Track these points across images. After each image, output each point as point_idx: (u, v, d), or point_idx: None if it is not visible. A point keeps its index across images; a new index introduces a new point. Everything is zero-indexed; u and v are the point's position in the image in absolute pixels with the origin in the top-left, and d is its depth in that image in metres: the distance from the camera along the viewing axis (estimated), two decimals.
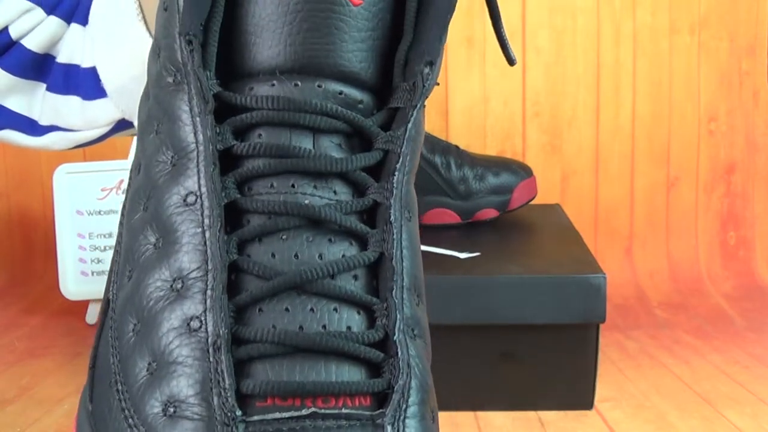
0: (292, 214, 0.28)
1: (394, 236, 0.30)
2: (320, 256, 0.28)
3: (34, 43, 0.53)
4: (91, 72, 0.52)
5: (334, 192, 0.30)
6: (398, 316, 0.28)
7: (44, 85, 0.55)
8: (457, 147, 0.95)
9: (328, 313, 0.28)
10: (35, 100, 0.56)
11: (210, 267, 0.27)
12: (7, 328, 1.00)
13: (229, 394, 0.25)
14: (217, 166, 0.29)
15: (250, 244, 0.28)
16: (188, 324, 0.27)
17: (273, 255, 0.28)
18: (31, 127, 0.57)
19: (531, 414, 0.70)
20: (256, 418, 0.25)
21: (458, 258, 0.75)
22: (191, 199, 0.28)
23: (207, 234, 0.27)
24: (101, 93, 0.52)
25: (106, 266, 0.99)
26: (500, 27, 0.34)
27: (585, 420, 0.69)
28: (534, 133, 1.17)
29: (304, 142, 0.30)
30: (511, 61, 0.36)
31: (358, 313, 0.28)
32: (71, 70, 0.54)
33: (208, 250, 0.27)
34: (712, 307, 1.06)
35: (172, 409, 0.26)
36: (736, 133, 1.19)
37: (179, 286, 0.27)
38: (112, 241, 0.99)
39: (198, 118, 0.29)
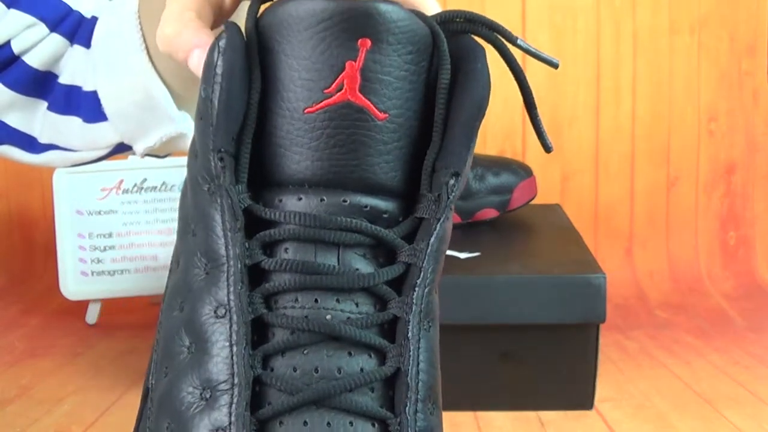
0: (314, 331, 0.30)
1: (411, 352, 0.31)
2: (339, 370, 0.30)
3: (35, 59, 0.53)
4: (92, 95, 0.52)
5: (356, 305, 0.31)
6: None
7: (45, 104, 0.55)
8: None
9: (343, 426, 0.29)
10: (35, 118, 0.56)
11: (236, 381, 0.29)
12: (7, 328, 1.00)
13: None
14: (245, 283, 0.30)
15: (274, 357, 0.30)
16: None
17: (295, 369, 0.29)
18: (30, 144, 0.57)
19: (531, 414, 0.70)
20: None
21: (458, 258, 0.75)
22: (221, 311, 0.30)
23: (234, 349, 0.29)
24: (102, 116, 0.52)
25: (106, 266, 0.99)
26: (536, 115, 0.35)
27: (585, 420, 0.69)
28: (534, 133, 1.17)
29: (329, 257, 0.31)
30: (547, 149, 0.37)
31: (373, 425, 0.30)
32: (73, 91, 0.54)
33: (235, 365, 0.29)
34: (712, 307, 1.06)
35: None
36: (736, 133, 1.19)
37: (208, 395, 0.29)
38: (112, 241, 0.99)
39: (229, 233, 0.30)
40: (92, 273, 0.99)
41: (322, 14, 0.29)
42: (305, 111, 0.30)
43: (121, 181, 0.98)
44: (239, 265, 0.30)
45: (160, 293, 1.04)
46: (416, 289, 0.31)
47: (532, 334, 0.70)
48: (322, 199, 0.31)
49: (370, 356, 0.30)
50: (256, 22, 0.32)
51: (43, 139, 0.56)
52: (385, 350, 0.30)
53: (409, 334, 0.31)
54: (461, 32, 0.33)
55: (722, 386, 0.76)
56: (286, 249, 0.31)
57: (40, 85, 0.54)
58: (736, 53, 1.18)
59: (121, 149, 0.54)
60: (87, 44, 0.52)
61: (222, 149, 0.30)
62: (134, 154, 0.53)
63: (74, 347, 0.91)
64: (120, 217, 0.99)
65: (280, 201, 0.31)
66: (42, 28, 0.53)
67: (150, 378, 0.33)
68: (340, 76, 0.30)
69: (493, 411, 0.71)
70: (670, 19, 1.17)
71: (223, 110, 0.30)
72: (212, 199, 0.31)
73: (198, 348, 0.30)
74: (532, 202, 0.96)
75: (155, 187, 0.99)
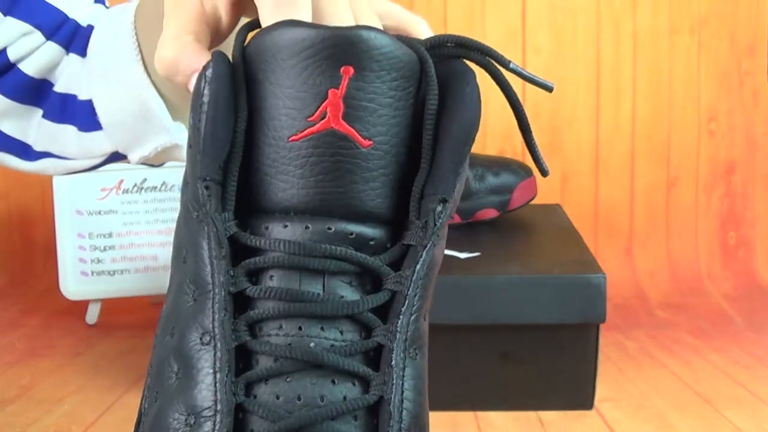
0: (297, 359, 0.30)
1: (394, 380, 0.30)
2: (322, 398, 0.30)
3: (31, 67, 0.53)
4: (87, 104, 0.52)
5: (341, 332, 0.31)
6: None
7: (40, 111, 0.55)
8: None
9: None
10: (31, 126, 0.56)
11: (219, 408, 0.29)
12: (7, 328, 1.00)
13: None
14: (229, 311, 0.30)
15: (257, 385, 0.30)
16: None
17: (277, 396, 0.29)
18: (24, 151, 0.57)
19: (531, 414, 0.70)
20: None
21: (458, 258, 0.75)
22: (206, 338, 0.30)
23: (218, 376, 0.29)
24: (97, 125, 0.52)
25: (106, 266, 0.99)
26: (531, 139, 0.35)
27: (585, 420, 0.69)
28: (534, 133, 1.17)
29: (314, 285, 0.31)
30: (544, 173, 0.36)
31: None
32: (68, 99, 0.54)
33: (218, 392, 0.29)
34: (712, 307, 1.06)
35: None
36: (736, 133, 1.19)
37: (192, 421, 0.29)
38: (112, 241, 0.99)
39: (215, 261, 0.31)
40: (92, 273, 0.99)
41: (305, 42, 0.30)
42: (290, 139, 0.30)
43: (121, 181, 0.98)
44: (223, 293, 0.30)
45: (160, 293, 1.04)
46: (401, 316, 0.31)
47: (532, 334, 0.70)
48: (307, 227, 0.31)
49: (354, 384, 0.30)
50: (243, 50, 0.32)
51: (37, 147, 0.56)
52: (368, 378, 0.30)
53: (393, 362, 0.30)
54: (453, 57, 0.33)
55: (722, 386, 0.76)
56: (271, 276, 0.31)
57: (36, 92, 0.54)
58: (736, 53, 1.18)
59: (116, 158, 0.54)
60: (83, 53, 0.52)
61: (208, 177, 0.31)
62: (128, 162, 0.53)
63: (74, 347, 0.91)
64: (120, 217, 0.99)
65: (267, 228, 0.31)
66: (38, 36, 0.53)
67: (143, 402, 0.34)
68: (324, 104, 0.30)
69: (493, 411, 0.71)
70: (670, 19, 1.17)
71: (209, 138, 0.31)
72: (200, 227, 0.31)
73: (185, 374, 0.30)
74: (532, 202, 0.96)
75: (155, 187, 0.99)
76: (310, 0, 0.32)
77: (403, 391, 0.30)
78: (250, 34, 0.33)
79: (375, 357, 0.31)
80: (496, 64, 0.34)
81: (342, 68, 0.30)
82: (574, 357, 0.70)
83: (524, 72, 0.34)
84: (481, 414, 0.70)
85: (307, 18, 0.32)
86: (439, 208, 0.31)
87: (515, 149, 1.17)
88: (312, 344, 0.30)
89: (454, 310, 0.69)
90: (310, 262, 0.30)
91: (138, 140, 0.50)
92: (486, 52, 0.33)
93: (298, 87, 0.30)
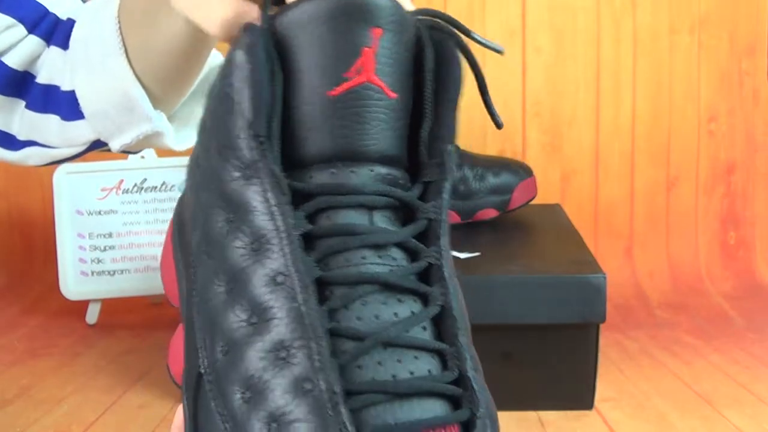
0: (368, 282, 0.33)
1: (451, 290, 0.35)
2: (395, 315, 0.33)
3: (14, 60, 0.54)
4: (70, 95, 0.53)
5: (394, 259, 0.35)
6: (467, 356, 0.34)
7: (23, 102, 0.56)
8: (457, 147, 0.95)
9: (411, 361, 0.33)
10: (14, 117, 0.57)
11: (312, 335, 0.32)
12: (7, 328, 1.00)
13: None
14: (302, 248, 0.33)
15: (338, 311, 0.33)
16: (301, 386, 0.31)
17: (358, 318, 0.33)
18: (9, 142, 0.58)
19: (531, 414, 0.70)
20: None
21: (458, 258, 0.75)
22: (280, 279, 0.33)
23: (303, 308, 0.32)
24: (79, 115, 0.53)
25: (106, 266, 0.99)
26: (487, 97, 0.40)
27: (585, 420, 0.69)
28: (534, 133, 1.17)
29: (363, 219, 0.35)
30: (498, 125, 0.42)
31: (433, 357, 0.33)
32: (51, 90, 0.55)
33: (306, 321, 0.32)
34: (712, 307, 1.06)
35: None
36: (736, 133, 1.19)
37: (284, 355, 0.32)
38: (112, 241, 0.99)
39: (275, 208, 0.34)
40: (92, 273, 0.99)
41: (337, 10, 0.34)
42: (328, 93, 0.34)
43: (121, 181, 0.99)
44: (294, 234, 0.33)
45: (160, 293, 1.04)
46: (441, 237, 0.36)
47: (532, 334, 0.70)
48: (352, 171, 0.35)
49: (415, 301, 0.34)
50: (270, 20, 0.35)
51: (21, 137, 0.58)
52: (428, 293, 0.35)
53: (446, 275, 0.35)
54: (429, 26, 0.38)
55: (722, 386, 0.76)
56: (327, 216, 0.34)
57: (18, 84, 0.55)
58: (736, 53, 1.18)
59: (98, 146, 0.56)
60: (64, 45, 0.53)
61: (260, 133, 0.34)
62: (109, 150, 0.55)
63: (74, 347, 0.91)
64: (120, 217, 0.99)
65: (311, 177, 0.35)
66: (21, 30, 0.54)
67: (202, 361, 0.35)
68: (358, 61, 0.34)
69: None
70: (670, 19, 1.17)
71: (256, 98, 0.34)
72: (249, 182, 0.34)
73: (260, 318, 0.33)
74: (532, 202, 0.96)
75: (155, 187, 0.99)
76: None
77: (456, 301, 0.35)
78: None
79: (425, 276, 0.35)
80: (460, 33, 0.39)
81: (372, 29, 0.34)
82: (574, 357, 0.70)
83: (480, 38, 0.40)
84: None
85: None
86: (450, 147, 0.37)
87: (515, 149, 1.17)
88: (377, 269, 0.34)
89: None
90: (361, 200, 0.35)
91: (120, 129, 0.52)
92: (452, 23, 0.39)
93: (333, 47, 0.34)
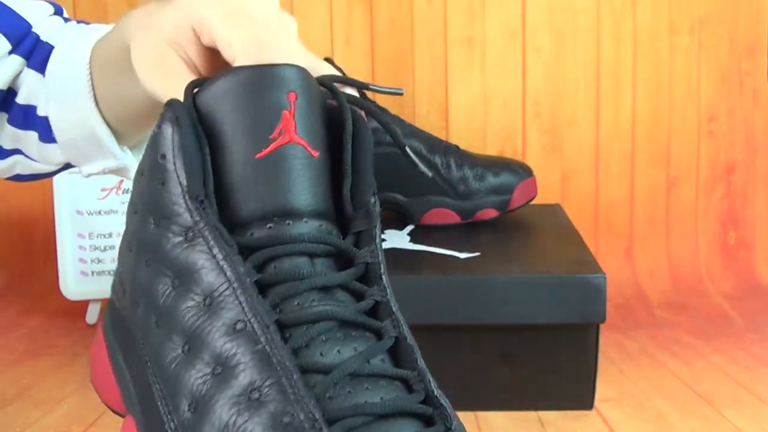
0: (325, 320, 0.35)
1: (401, 322, 0.37)
2: (355, 348, 0.35)
3: None
4: (45, 119, 0.55)
5: (341, 301, 0.36)
6: (429, 378, 0.36)
7: (6, 116, 0.58)
8: (457, 147, 0.95)
9: (379, 389, 0.34)
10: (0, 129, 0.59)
11: (281, 372, 0.33)
12: (7, 328, 1.00)
13: None
14: (257, 293, 0.35)
15: (300, 350, 0.34)
16: (280, 420, 0.32)
17: (321, 354, 0.34)
18: None
19: (531, 414, 0.70)
20: None
21: (458, 258, 0.75)
22: (240, 325, 0.34)
23: (267, 348, 0.33)
24: (54, 139, 0.55)
25: (106, 266, 0.99)
26: (404, 149, 0.43)
27: (585, 420, 0.69)
28: (534, 133, 1.17)
29: (307, 265, 0.37)
30: (425, 175, 0.46)
31: (397, 384, 0.35)
32: (29, 110, 0.57)
33: (274, 360, 0.33)
34: (712, 307, 1.06)
35: None
36: (736, 133, 1.19)
37: (256, 396, 0.33)
38: (112, 241, 0.99)
39: (224, 261, 0.35)
40: (92, 273, 0.99)
41: (254, 80, 0.37)
42: (256, 156, 0.37)
43: (122, 181, 0.98)
44: (248, 281, 0.35)
45: None
46: (383, 276, 0.38)
47: (532, 334, 0.70)
48: (288, 223, 0.37)
49: (369, 336, 0.36)
50: (192, 98, 0.38)
51: (7, 146, 0.60)
52: (379, 328, 0.36)
53: (393, 309, 0.37)
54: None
55: (722, 386, 0.76)
56: (274, 266, 0.36)
57: (2, 100, 0.57)
58: (736, 53, 1.18)
59: (70, 167, 0.59)
60: (40, 69, 0.55)
61: (199, 196, 0.36)
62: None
63: (74, 347, 0.91)
64: (120, 217, 0.99)
65: (251, 234, 0.37)
66: (5, 44, 0.55)
67: (165, 429, 0.36)
68: (280, 124, 0.37)
69: (493, 411, 0.71)
70: (670, 19, 1.17)
71: (188, 163, 0.36)
72: (194, 244, 0.36)
73: (225, 366, 0.34)
74: (532, 202, 0.96)
75: None
76: (279, 47, 0.40)
77: (407, 330, 0.37)
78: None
79: (373, 313, 0.37)
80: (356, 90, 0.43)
81: (288, 93, 0.37)
82: (574, 357, 0.70)
83: (379, 88, 0.45)
84: (480, 414, 0.70)
85: (277, 60, 0.39)
86: (373, 200, 0.39)
87: (515, 149, 1.17)
88: (328, 308, 0.35)
89: (454, 310, 0.69)
90: (302, 248, 0.37)
91: (88, 159, 0.55)
92: (350, 83, 0.43)
93: (254, 113, 0.37)
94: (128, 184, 0.98)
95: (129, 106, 0.51)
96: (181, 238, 0.36)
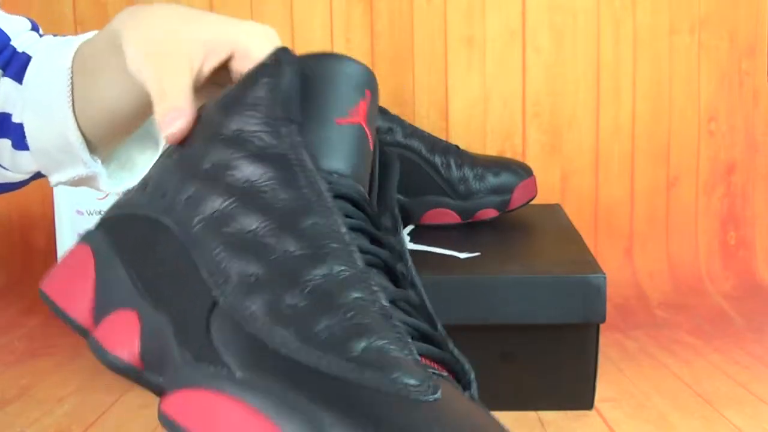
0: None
1: (425, 298, 0.45)
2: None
3: None
4: (20, 126, 0.56)
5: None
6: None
7: None
8: (457, 147, 0.95)
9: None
10: None
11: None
12: (7, 328, 1.00)
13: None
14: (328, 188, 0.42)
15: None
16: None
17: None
18: None
19: (531, 414, 0.70)
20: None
21: (458, 258, 0.75)
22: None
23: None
24: (27, 146, 0.56)
25: None
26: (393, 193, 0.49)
27: (585, 420, 0.69)
28: (534, 133, 1.17)
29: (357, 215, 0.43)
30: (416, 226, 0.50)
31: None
32: (4, 118, 0.57)
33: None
34: (712, 307, 1.06)
35: None
36: (736, 133, 1.19)
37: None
38: None
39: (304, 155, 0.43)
40: None
41: (348, 68, 0.44)
42: (335, 120, 0.42)
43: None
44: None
45: None
46: (408, 261, 0.45)
47: (532, 334, 0.70)
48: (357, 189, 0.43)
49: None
50: (298, 63, 0.43)
51: None
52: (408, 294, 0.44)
53: (418, 284, 0.45)
54: None
55: (722, 386, 0.76)
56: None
57: None
58: (736, 53, 1.18)
59: (40, 176, 0.59)
60: (17, 78, 0.56)
61: (294, 120, 0.42)
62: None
63: (74, 347, 0.91)
64: None
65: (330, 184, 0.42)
66: None
67: (213, 295, 0.38)
68: (357, 107, 0.43)
69: (493, 411, 0.71)
70: (670, 19, 1.17)
71: (289, 94, 0.42)
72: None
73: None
74: (532, 202, 0.96)
75: None
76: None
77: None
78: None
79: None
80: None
81: (366, 90, 0.44)
82: (574, 357, 0.70)
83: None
84: None
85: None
86: (396, 209, 0.45)
87: (515, 149, 1.17)
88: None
89: (454, 310, 0.69)
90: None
91: (58, 167, 0.56)
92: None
93: (342, 88, 0.43)
94: (128, 185, 0.98)
95: (104, 111, 0.52)
96: (263, 128, 0.41)
